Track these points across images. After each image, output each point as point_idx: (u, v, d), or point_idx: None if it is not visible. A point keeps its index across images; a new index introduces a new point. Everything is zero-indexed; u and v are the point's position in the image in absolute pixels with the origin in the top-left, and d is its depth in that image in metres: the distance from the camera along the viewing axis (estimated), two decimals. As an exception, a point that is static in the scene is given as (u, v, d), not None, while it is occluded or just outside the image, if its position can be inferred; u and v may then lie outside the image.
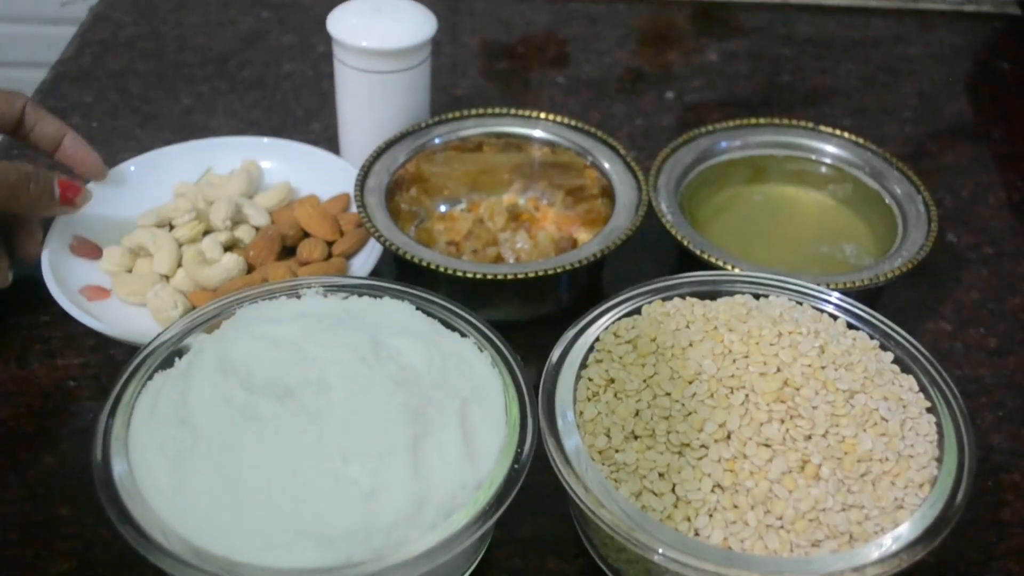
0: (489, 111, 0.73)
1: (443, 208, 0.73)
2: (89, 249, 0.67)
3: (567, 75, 0.93)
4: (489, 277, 0.60)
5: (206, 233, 0.68)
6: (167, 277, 0.66)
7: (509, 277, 0.61)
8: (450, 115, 0.73)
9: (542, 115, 0.73)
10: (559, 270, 0.61)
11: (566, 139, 0.72)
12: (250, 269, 0.66)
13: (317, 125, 0.84)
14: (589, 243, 0.64)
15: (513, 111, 0.73)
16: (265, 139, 0.75)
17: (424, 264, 0.61)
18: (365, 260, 0.66)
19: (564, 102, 0.89)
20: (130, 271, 0.66)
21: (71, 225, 0.67)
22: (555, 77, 0.93)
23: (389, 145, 0.70)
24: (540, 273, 0.61)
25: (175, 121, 0.84)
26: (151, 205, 0.70)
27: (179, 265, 0.66)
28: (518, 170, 0.74)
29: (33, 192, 0.62)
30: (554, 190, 0.73)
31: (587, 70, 0.94)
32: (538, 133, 0.72)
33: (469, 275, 0.60)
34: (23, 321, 0.65)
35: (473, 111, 0.73)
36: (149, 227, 0.67)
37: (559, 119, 0.73)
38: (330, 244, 0.67)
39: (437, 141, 0.72)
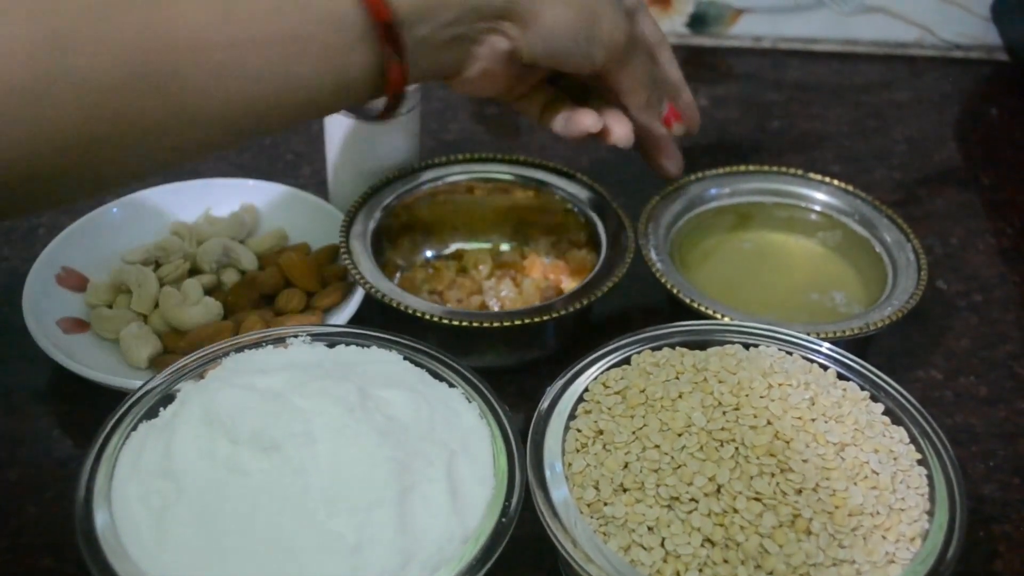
0: (476, 156, 0.73)
1: (428, 255, 0.73)
2: (76, 281, 0.67)
3: (558, 120, 0.93)
4: (475, 325, 0.60)
5: (193, 273, 0.68)
6: (145, 316, 0.65)
7: (495, 325, 0.60)
8: (437, 160, 0.73)
9: (529, 160, 0.73)
10: (545, 318, 0.61)
11: (553, 185, 0.72)
12: (228, 315, 0.66)
13: (307, 169, 0.84)
14: (575, 290, 0.63)
15: (500, 156, 0.73)
16: (266, 183, 0.75)
17: (410, 312, 0.60)
18: (342, 315, 0.64)
19: (554, 147, 0.89)
20: (111, 307, 0.66)
21: (60, 256, 0.67)
22: (546, 121, 0.93)
23: (376, 190, 0.70)
24: (526, 321, 0.60)
25: (165, 164, 0.84)
26: (145, 242, 0.69)
27: (157, 305, 0.65)
28: (504, 216, 0.73)
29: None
30: (540, 236, 0.73)
31: (578, 115, 0.94)
32: (525, 175, 0.73)
33: (455, 323, 0.60)
34: (8, 367, 0.65)
35: (460, 156, 0.73)
36: (135, 264, 0.67)
37: (548, 164, 0.73)
38: (311, 295, 0.67)
39: (425, 187, 0.71)
